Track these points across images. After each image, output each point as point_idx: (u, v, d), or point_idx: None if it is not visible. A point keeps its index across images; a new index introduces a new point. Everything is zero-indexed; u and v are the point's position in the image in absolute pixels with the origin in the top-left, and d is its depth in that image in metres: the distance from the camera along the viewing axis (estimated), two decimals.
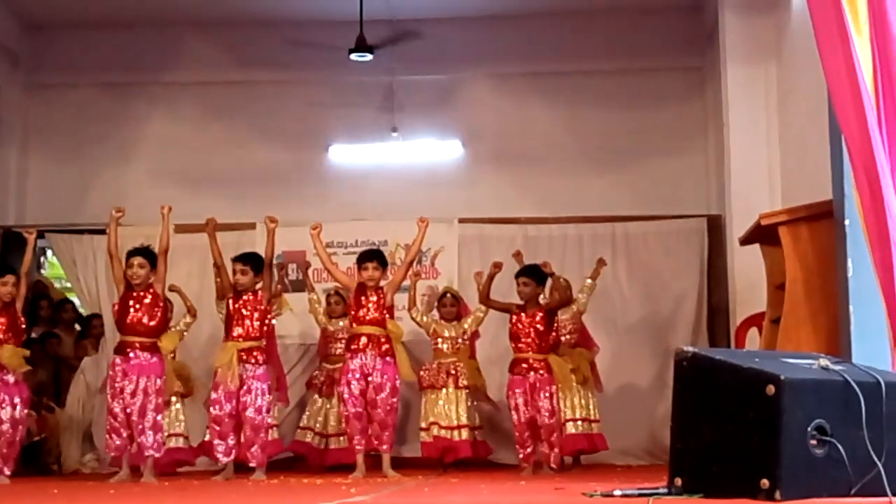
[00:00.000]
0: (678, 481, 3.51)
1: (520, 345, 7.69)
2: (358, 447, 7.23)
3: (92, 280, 9.64)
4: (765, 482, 3.27)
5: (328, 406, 8.61)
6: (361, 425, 7.21)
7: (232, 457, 7.15)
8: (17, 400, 7.19)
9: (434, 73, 10.40)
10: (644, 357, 9.33)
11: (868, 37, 4.10)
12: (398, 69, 10.27)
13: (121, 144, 10.36)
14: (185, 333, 8.42)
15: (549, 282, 8.15)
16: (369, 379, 7.20)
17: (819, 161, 5.41)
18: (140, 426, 6.88)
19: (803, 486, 3.30)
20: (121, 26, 10.36)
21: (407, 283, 8.18)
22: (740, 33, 8.37)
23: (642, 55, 10.13)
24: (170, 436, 7.84)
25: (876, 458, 3.36)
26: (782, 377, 3.30)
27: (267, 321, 7.44)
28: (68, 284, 10.46)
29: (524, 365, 7.64)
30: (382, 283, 7.41)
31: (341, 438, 8.32)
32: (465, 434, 8.21)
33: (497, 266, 8.04)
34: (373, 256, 7.44)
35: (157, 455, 6.98)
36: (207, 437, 7.69)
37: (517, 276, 7.90)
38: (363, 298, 7.30)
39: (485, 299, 8.02)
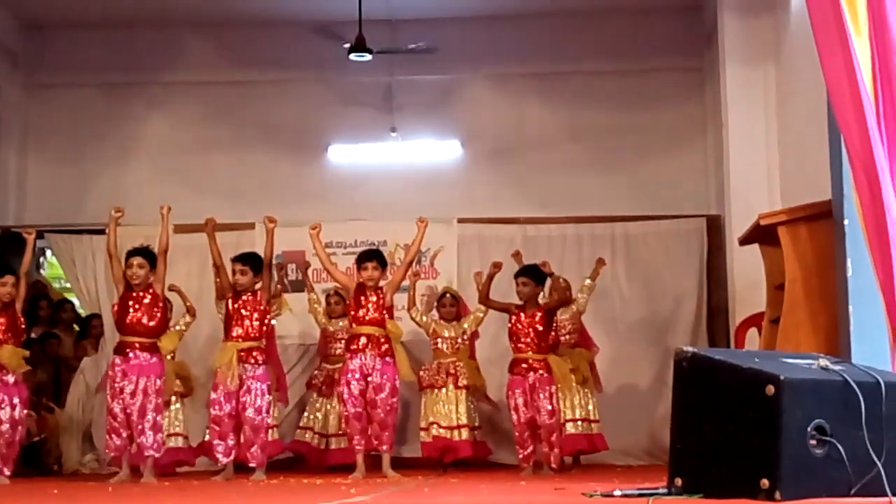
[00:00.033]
0: (678, 481, 3.50)
1: (519, 345, 7.69)
2: (358, 447, 7.22)
3: (91, 280, 9.64)
4: (764, 482, 3.27)
5: (328, 406, 8.62)
6: (361, 425, 7.21)
7: (232, 457, 7.14)
8: (16, 400, 7.18)
9: (433, 73, 10.39)
10: (644, 357, 9.33)
11: (867, 37, 4.10)
12: (397, 69, 10.28)
13: (120, 145, 10.36)
14: (185, 333, 8.41)
15: (549, 282, 8.16)
16: (369, 379, 7.20)
17: (818, 161, 5.41)
18: (140, 426, 6.87)
19: (803, 486, 3.30)
20: (120, 26, 10.35)
21: (406, 283, 8.18)
22: (739, 34, 8.37)
23: (642, 56, 10.14)
24: (169, 436, 7.84)
25: (876, 458, 3.35)
26: (782, 377, 3.30)
27: (266, 321, 7.44)
28: (67, 284, 10.45)
29: (524, 365, 7.65)
30: (382, 283, 7.41)
31: (341, 439, 8.33)
32: (464, 434, 8.21)
33: (496, 266, 8.04)
34: (372, 256, 7.43)
35: (156, 455, 6.98)
36: (207, 438, 7.70)
37: (516, 276, 7.90)
38: (363, 298, 7.30)
39: (484, 299, 8.02)
